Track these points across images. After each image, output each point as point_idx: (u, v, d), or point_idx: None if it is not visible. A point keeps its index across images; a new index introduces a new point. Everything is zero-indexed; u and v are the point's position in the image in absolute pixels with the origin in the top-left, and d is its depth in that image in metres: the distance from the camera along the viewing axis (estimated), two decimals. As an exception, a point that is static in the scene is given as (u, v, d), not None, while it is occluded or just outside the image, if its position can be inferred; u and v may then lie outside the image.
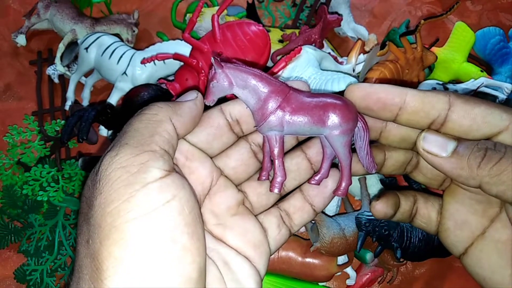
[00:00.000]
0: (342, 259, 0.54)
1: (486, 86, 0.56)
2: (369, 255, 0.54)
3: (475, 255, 0.27)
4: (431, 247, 0.51)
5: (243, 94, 0.25)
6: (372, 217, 0.49)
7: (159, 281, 0.18)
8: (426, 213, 0.30)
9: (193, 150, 0.25)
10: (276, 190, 0.26)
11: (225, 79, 0.24)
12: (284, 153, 0.27)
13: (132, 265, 0.18)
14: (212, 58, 0.24)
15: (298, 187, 0.28)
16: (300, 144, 0.28)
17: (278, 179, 0.26)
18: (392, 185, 0.55)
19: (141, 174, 0.19)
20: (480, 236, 0.27)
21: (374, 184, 0.55)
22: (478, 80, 0.55)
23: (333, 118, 0.25)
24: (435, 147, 0.24)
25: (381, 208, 0.29)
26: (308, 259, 0.52)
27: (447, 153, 0.24)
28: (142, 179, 0.19)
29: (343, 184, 0.27)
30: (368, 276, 0.55)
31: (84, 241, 0.20)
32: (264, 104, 0.24)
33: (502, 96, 0.57)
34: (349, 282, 0.56)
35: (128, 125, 0.22)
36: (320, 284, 0.55)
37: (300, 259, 0.52)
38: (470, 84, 0.55)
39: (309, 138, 0.28)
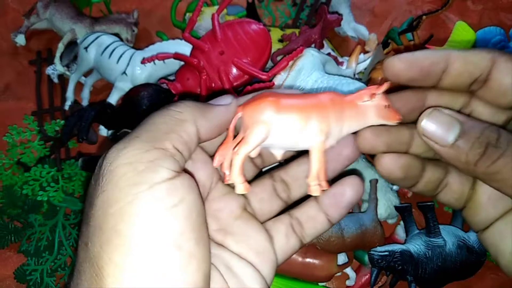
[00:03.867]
0: (342, 260, 0.54)
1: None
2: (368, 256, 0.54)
3: (498, 230, 0.25)
4: (448, 274, 0.49)
5: None
6: (385, 253, 0.47)
7: None
8: (460, 189, 0.27)
9: (198, 149, 0.23)
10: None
11: None
12: (293, 159, 0.26)
13: (135, 273, 0.17)
14: None
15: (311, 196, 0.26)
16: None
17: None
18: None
19: (149, 173, 0.18)
20: (509, 211, 0.25)
21: (380, 189, 0.54)
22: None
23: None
24: (436, 133, 0.23)
25: (389, 163, 0.24)
26: (308, 259, 0.52)
27: (447, 142, 0.23)
28: (149, 179, 0.18)
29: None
30: (367, 276, 0.55)
31: (83, 244, 0.18)
32: None
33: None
34: (348, 282, 0.56)
35: (147, 119, 0.20)
36: (320, 284, 0.55)
37: (300, 259, 0.52)
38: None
39: None
